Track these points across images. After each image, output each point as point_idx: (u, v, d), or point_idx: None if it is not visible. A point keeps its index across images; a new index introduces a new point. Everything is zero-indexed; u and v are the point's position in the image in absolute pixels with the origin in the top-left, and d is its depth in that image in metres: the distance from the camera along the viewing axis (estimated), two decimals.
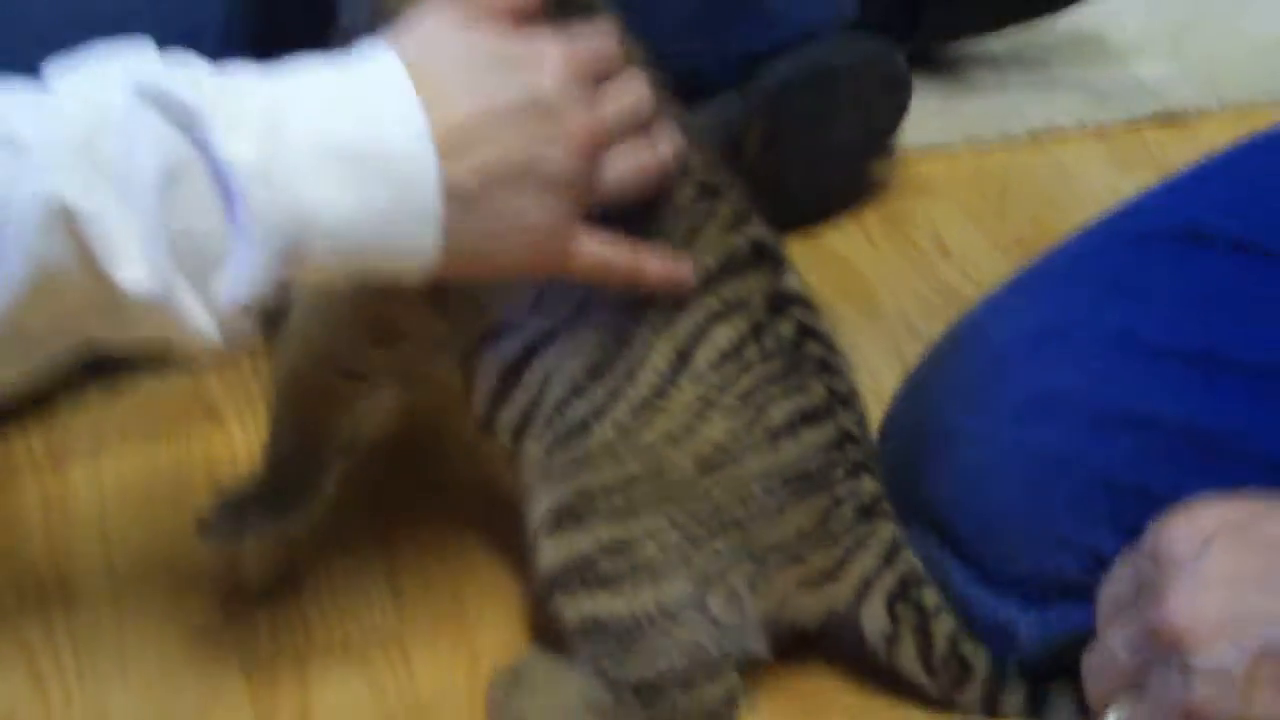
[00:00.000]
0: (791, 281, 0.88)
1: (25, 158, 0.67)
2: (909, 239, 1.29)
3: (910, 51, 1.37)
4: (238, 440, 1.09)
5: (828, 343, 0.89)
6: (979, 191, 1.35)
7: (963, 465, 0.88)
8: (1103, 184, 1.34)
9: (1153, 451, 0.82)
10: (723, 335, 0.85)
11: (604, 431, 0.85)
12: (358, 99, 0.73)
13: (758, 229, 0.88)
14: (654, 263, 0.83)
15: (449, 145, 0.73)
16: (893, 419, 0.95)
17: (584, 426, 0.85)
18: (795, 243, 1.27)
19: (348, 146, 0.71)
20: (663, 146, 0.82)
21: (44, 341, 0.73)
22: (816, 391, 0.86)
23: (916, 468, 0.90)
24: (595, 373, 0.85)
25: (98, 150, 0.68)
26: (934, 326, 1.19)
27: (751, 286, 0.86)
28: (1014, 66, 1.47)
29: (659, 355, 0.85)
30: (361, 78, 0.73)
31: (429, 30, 0.75)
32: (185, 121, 0.69)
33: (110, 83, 0.69)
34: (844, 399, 0.87)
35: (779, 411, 0.85)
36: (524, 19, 0.77)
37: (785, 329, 0.86)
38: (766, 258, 0.88)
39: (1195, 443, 0.81)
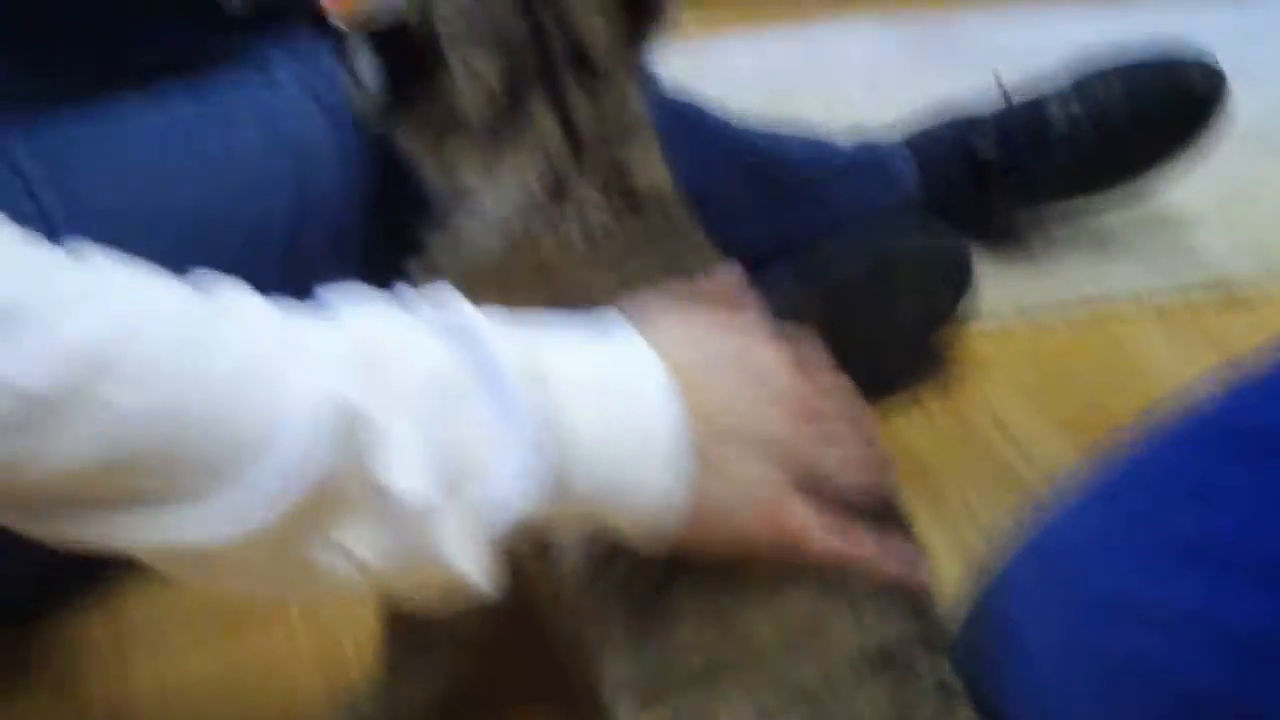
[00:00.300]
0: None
1: (307, 358, 0.67)
2: (967, 418, 1.29)
3: (969, 224, 1.39)
4: (301, 639, 1.09)
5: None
6: (1036, 369, 1.35)
7: (1033, 673, 0.86)
8: (1162, 363, 1.34)
9: (1231, 661, 0.81)
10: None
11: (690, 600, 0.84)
12: (603, 346, 0.74)
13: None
14: (891, 563, 0.82)
15: (695, 404, 0.73)
16: (963, 625, 0.94)
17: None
18: None
19: (599, 380, 0.72)
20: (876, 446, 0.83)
21: (301, 546, 0.69)
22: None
23: (986, 674, 0.89)
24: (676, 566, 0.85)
25: (376, 359, 0.68)
26: (994, 510, 1.19)
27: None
28: (1069, 240, 1.48)
29: None
30: (604, 332, 0.76)
31: (655, 310, 0.78)
32: (458, 335, 0.70)
33: (383, 307, 0.71)
34: None
35: (859, 583, 0.84)
36: (731, 304, 0.81)
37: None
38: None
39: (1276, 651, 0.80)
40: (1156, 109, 1.42)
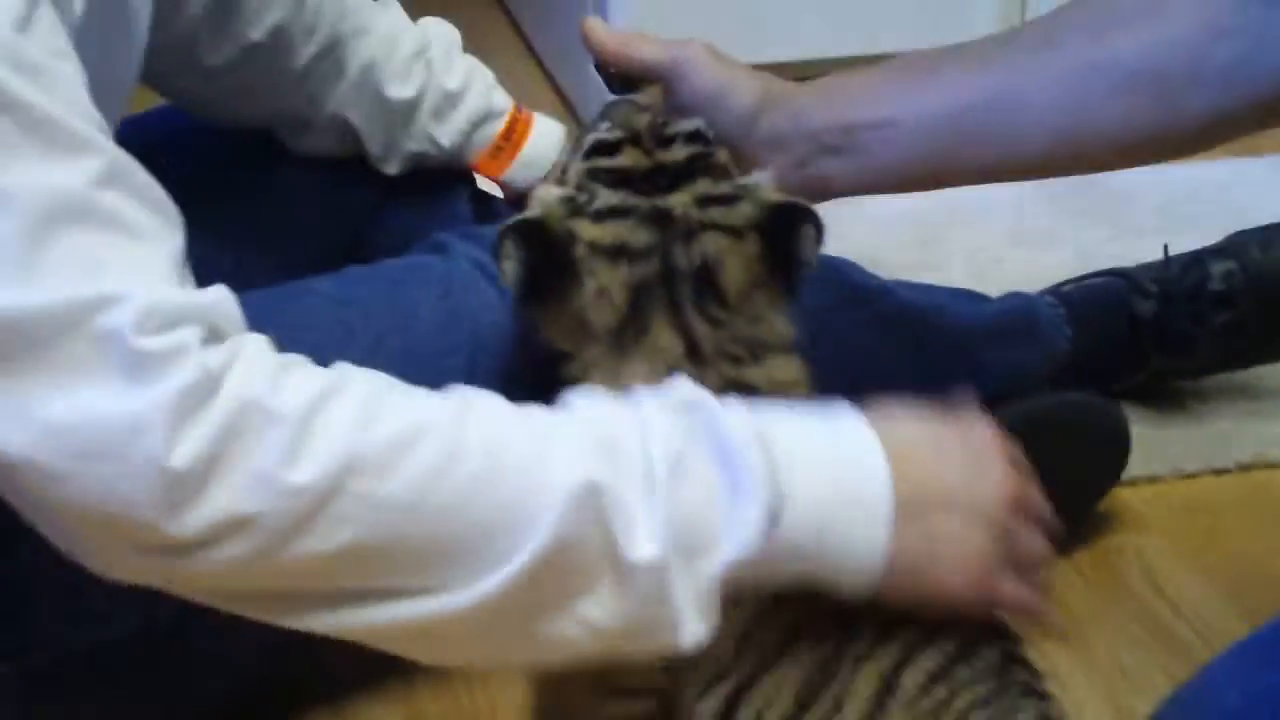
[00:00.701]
0: (1000, 617, 0.88)
1: (563, 446, 0.76)
2: (1120, 575, 1.28)
3: (1123, 384, 1.39)
4: None
5: (1033, 669, 0.88)
6: (1189, 525, 1.34)
7: None
8: None
9: None
10: (929, 658, 0.85)
11: None
12: (821, 418, 0.83)
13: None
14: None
15: (902, 469, 0.81)
16: None
17: None
18: None
19: (818, 447, 0.80)
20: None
21: (541, 618, 0.76)
22: (1029, 714, 0.85)
23: None
24: (804, 705, 0.86)
25: (621, 443, 0.76)
26: (1147, 669, 1.18)
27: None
28: (1220, 397, 1.47)
29: (864, 682, 0.85)
30: (830, 414, 0.83)
31: (886, 408, 0.86)
32: (685, 409, 0.79)
33: (621, 402, 0.79)
34: None
35: None
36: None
37: (990, 653, 0.86)
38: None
39: None
40: None
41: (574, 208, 0.91)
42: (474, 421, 0.75)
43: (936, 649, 0.85)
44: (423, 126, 1.24)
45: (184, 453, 0.69)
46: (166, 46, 1.06)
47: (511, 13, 2.64)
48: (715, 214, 0.91)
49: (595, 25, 1.05)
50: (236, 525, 0.71)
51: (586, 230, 0.90)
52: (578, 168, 0.94)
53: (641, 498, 0.75)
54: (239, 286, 1.22)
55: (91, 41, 0.87)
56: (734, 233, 0.91)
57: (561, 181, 0.96)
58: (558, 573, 0.74)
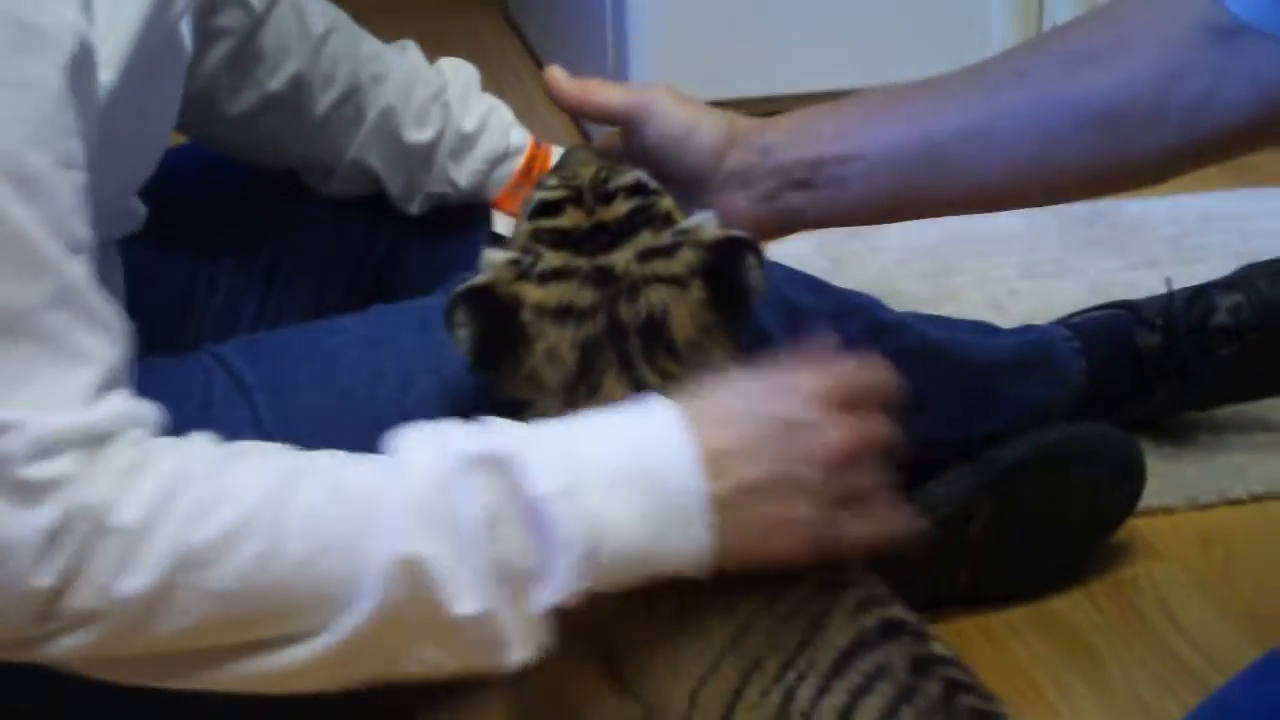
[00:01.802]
0: (936, 648, 0.90)
1: (382, 519, 0.82)
2: (1135, 606, 1.30)
3: (1130, 416, 1.40)
4: None
5: (980, 691, 0.89)
6: (1204, 556, 1.35)
7: None
8: None
9: None
10: (871, 706, 0.86)
11: None
12: (635, 430, 0.87)
13: (890, 611, 0.91)
14: (900, 520, 0.93)
15: (714, 467, 0.86)
16: None
17: None
18: (1018, 609, 1.30)
19: (628, 469, 0.85)
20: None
21: (382, 662, 0.85)
22: None
23: None
24: None
25: (437, 509, 0.82)
26: (1162, 699, 1.19)
27: (891, 654, 0.88)
28: (1232, 427, 1.49)
29: None
30: (638, 414, 0.87)
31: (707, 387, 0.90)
32: (501, 468, 0.83)
33: (439, 453, 0.84)
34: None
35: None
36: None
37: (933, 688, 0.87)
38: (905, 632, 0.90)
39: None
40: None
41: (520, 270, 0.93)
42: (297, 502, 0.82)
43: (878, 695, 0.86)
44: (441, 168, 1.26)
45: (45, 574, 0.78)
46: (189, 96, 1.08)
47: (530, 44, 2.67)
48: (657, 266, 0.93)
49: (555, 74, 1.08)
50: (85, 619, 0.80)
51: (532, 293, 0.93)
52: (523, 229, 0.96)
53: (459, 561, 0.82)
54: (264, 319, 1.25)
55: (128, 99, 0.90)
56: (677, 282, 0.93)
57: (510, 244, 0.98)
58: (388, 632, 0.83)
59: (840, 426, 0.89)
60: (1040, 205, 1.13)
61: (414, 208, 1.28)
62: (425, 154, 1.26)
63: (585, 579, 0.84)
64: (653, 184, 0.98)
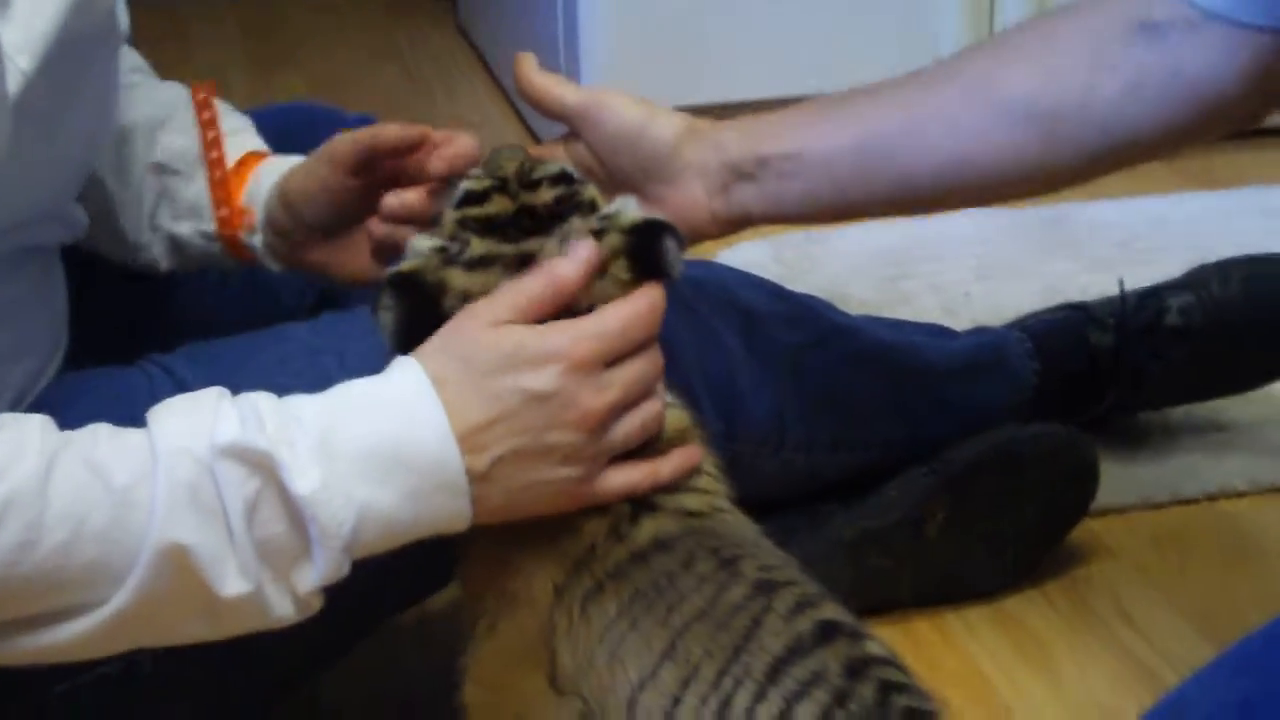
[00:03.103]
0: (872, 648, 0.88)
1: (145, 505, 0.83)
2: (1089, 605, 1.30)
3: (1083, 415, 1.41)
4: None
5: (917, 692, 0.88)
6: (1158, 555, 1.36)
7: None
8: None
9: None
10: (807, 712, 0.85)
11: None
12: (394, 408, 0.88)
13: (824, 611, 0.90)
14: (667, 465, 0.94)
15: (469, 443, 0.88)
16: None
17: None
18: (974, 608, 1.30)
19: (389, 450, 0.87)
20: (657, 403, 0.95)
21: (155, 633, 0.88)
22: None
23: None
24: None
25: (199, 496, 0.84)
26: (1119, 698, 1.20)
27: (825, 659, 0.87)
28: (1185, 428, 1.50)
29: None
30: (396, 391, 0.89)
31: (454, 337, 0.91)
32: (260, 463, 0.85)
33: (201, 441, 0.85)
34: None
35: None
36: (546, 314, 0.91)
37: (866, 691, 0.86)
38: (841, 634, 0.88)
39: None
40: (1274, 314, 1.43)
41: (446, 257, 0.93)
42: (56, 487, 0.82)
43: (811, 701, 0.85)
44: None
45: None
46: None
47: (481, 52, 2.67)
48: None
49: (527, 63, 1.08)
50: None
51: (457, 279, 0.93)
52: (450, 216, 0.96)
53: (224, 547, 0.84)
54: (206, 335, 1.23)
55: (54, 88, 0.91)
56: (599, 268, 0.93)
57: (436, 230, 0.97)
58: (157, 611, 0.85)
59: (595, 389, 0.90)
60: (968, 206, 1.13)
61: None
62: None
63: (349, 559, 0.87)
64: (577, 173, 0.98)
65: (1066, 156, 1.02)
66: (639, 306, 0.92)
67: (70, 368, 1.10)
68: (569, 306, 0.91)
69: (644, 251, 0.94)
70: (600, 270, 0.93)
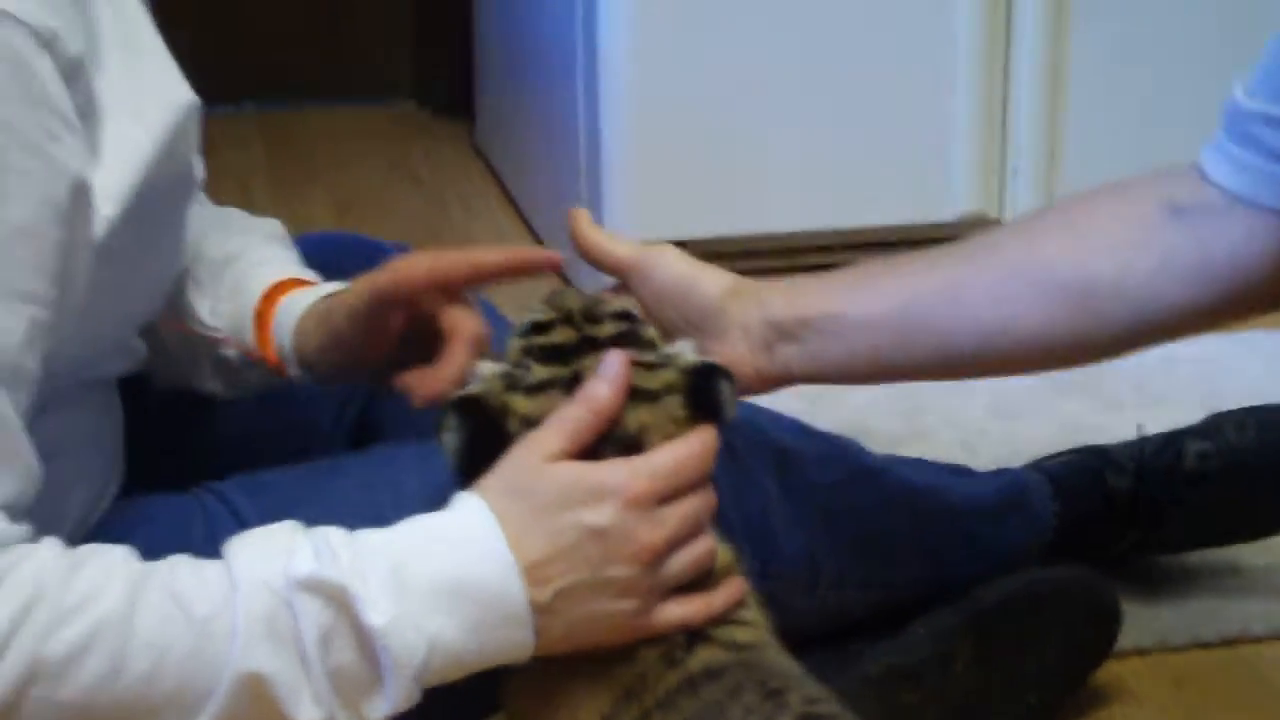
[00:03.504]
0: None
1: (226, 634, 0.86)
2: None
3: (1099, 558, 1.43)
4: None
5: None
6: (1177, 698, 1.38)
7: None
8: None
9: None
10: None
11: None
12: (461, 543, 0.92)
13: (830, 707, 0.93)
14: (719, 597, 0.97)
15: (533, 577, 0.91)
16: None
17: None
18: None
19: (457, 584, 0.90)
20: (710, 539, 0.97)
21: None
22: None
23: None
24: None
25: (275, 627, 0.87)
26: None
27: None
28: (1204, 572, 1.52)
29: None
30: (461, 526, 0.92)
31: (512, 471, 0.94)
32: (335, 596, 0.88)
33: (277, 574, 0.88)
34: None
35: None
36: (592, 438, 0.94)
37: None
38: None
39: None
40: None
41: (510, 382, 0.96)
42: (141, 615, 0.85)
43: None
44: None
45: None
46: None
47: (496, 171, 2.71)
48: (635, 379, 0.96)
49: (581, 216, 1.12)
50: None
51: (520, 404, 0.95)
52: (515, 344, 0.99)
53: (300, 676, 0.87)
54: (248, 458, 1.25)
55: (133, 233, 0.94)
56: (652, 398, 0.96)
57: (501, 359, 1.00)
58: None
59: (651, 525, 0.93)
60: (1008, 373, 1.15)
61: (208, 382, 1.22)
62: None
63: (419, 688, 0.90)
64: (638, 313, 1.02)
65: (1102, 330, 1.05)
66: (693, 447, 0.96)
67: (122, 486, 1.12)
68: (611, 428, 0.94)
69: (701, 393, 0.97)
70: (653, 399, 0.96)
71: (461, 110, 2.92)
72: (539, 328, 0.99)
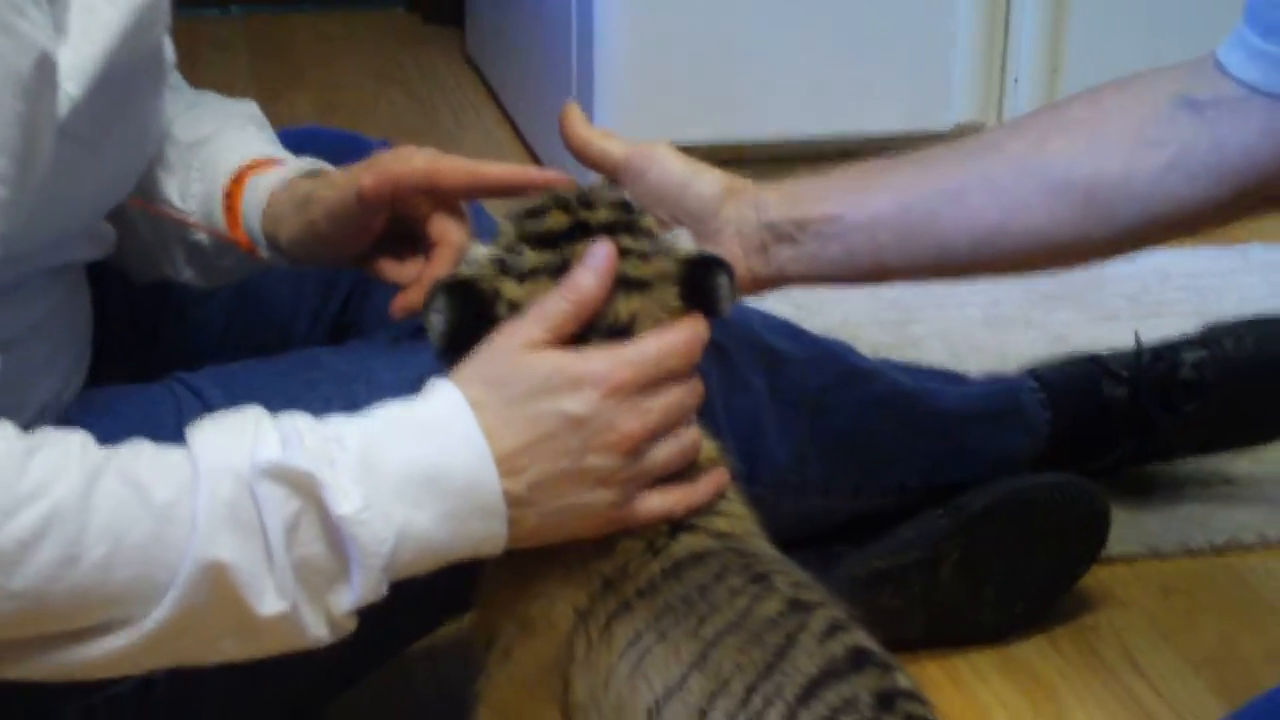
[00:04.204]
0: (902, 681, 0.89)
1: (185, 522, 0.83)
2: (1098, 652, 1.32)
3: (1093, 465, 1.43)
4: None
5: (910, 694, 0.88)
6: (1166, 605, 1.38)
7: None
8: None
9: None
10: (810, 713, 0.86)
11: None
12: (433, 431, 0.89)
13: (857, 637, 0.90)
14: (701, 488, 0.95)
15: (507, 467, 0.89)
16: None
17: None
18: (983, 652, 1.31)
19: (428, 472, 0.88)
20: (694, 430, 0.96)
21: (191, 651, 0.88)
22: None
23: None
24: None
25: (238, 514, 0.84)
26: None
27: (857, 687, 0.87)
28: (1194, 480, 1.52)
29: None
30: (434, 413, 0.90)
31: (490, 359, 0.91)
32: (301, 483, 0.85)
33: (242, 460, 0.85)
34: None
35: None
36: (575, 338, 0.92)
37: (863, 695, 0.86)
38: (872, 663, 0.89)
39: None
40: None
41: (502, 267, 0.95)
42: (97, 503, 0.82)
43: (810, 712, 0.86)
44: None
45: None
46: None
47: (488, 81, 2.68)
48: (628, 267, 0.94)
49: (574, 113, 1.10)
50: None
51: (510, 289, 0.94)
52: (508, 229, 0.97)
53: (263, 566, 0.85)
54: (231, 346, 1.23)
55: (98, 114, 0.92)
56: (644, 286, 0.94)
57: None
58: (193, 628, 0.85)
59: (633, 414, 0.91)
60: (1004, 274, 1.14)
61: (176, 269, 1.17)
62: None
63: (387, 580, 0.87)
64: (636, 204, 1.00)
65: (1107, 229, 1.03)
66: (680, 337, 0.93)
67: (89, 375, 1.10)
68: (595, 318, 0.92)
69: (697, 283, 0.95)
70: (647, 287, 0.94)
71: (453, 17, 2.89)
72: (533, 213, 0.97)
